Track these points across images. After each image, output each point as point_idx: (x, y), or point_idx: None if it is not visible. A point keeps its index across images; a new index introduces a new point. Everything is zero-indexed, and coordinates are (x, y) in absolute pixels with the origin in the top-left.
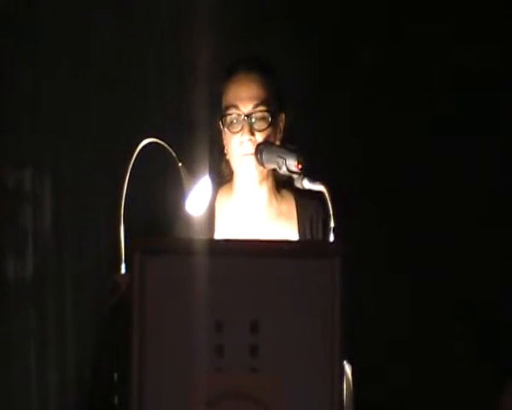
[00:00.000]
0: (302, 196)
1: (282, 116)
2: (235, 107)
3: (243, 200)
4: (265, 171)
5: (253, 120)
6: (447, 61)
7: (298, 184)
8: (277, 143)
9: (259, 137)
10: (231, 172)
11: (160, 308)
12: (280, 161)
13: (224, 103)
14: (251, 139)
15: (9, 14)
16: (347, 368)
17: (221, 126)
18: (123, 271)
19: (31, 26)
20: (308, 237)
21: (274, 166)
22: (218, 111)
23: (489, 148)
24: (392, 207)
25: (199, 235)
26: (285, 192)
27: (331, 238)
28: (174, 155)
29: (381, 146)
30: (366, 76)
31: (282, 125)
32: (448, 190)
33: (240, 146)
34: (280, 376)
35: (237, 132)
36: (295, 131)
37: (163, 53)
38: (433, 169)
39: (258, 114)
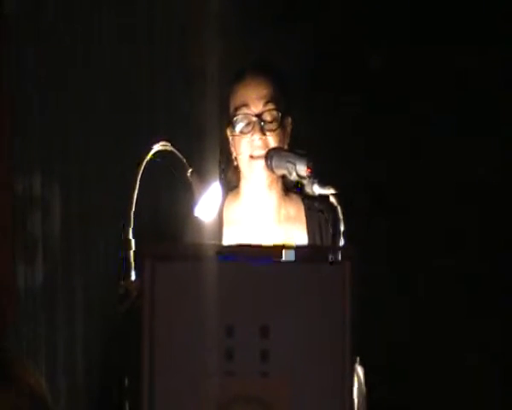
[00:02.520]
0: (310, 200)
1: (289, 120)
2: (246, 106)
3: (252, 204)
4: (275, 175)
5: (264, 119)
6: (450, 65)
7: (308, 189)
8: (285, 147)
9: (270, 138)
10: (238, 179)
11: (171, 314)
12: (290, 166)
13: (234, 105)
14: (261, 138)
15: (17, 23)
16: (360, 371)
17: (228, 132)
18: (133, 277)
19: (38, 32)
20: (317, 240)
21: (284, 171)
22: (224, 117)
23: (491, 150)
24: (398, 211)
25: (208, 241)
26: (293, 196)
27: (341, 242)
28: (184, 161)
29: (386, 150)
30: (370, 80)
31: (289, 129)
32: (452, 192)
33: (250, 146)
34: (290, 380)
35: (248, 133)
36: (301, 135)
37: (172, 59)
38: (436, 171)
39: (268, 115)
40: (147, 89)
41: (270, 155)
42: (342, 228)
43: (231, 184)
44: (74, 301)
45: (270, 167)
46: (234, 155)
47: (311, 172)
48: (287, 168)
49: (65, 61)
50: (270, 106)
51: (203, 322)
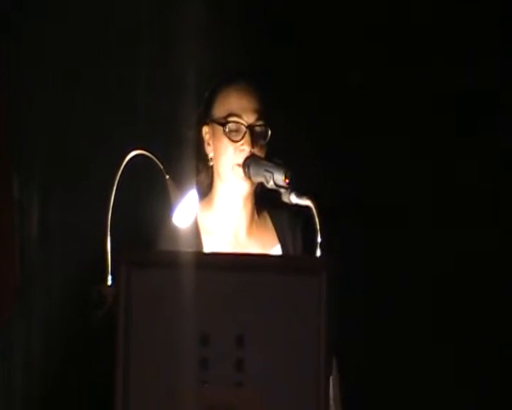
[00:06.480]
0: (275, 209)
1: (269, 133)
2: (238, 116)
3: (225, 212)
4: (255, 183)
5: (255, 132)
6: (435, 84)
7: (285, 199)
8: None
9: (257, 152)
10: (211, 183)
11: (146, 321)
12: (267, 175)
13: (225, 109)
14: (251, 150)
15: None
16: (335, 374)
17: (203, 134)
18: (109, 283)
19: (24, 41)
20: (290, 248)
21: (261, 179)
22: (201, 119)
23: (472, 167)
24: (378, 223)
25: (184, 248)
26: (260, 207)
27: (317, 253)
28: (161, 167)
29: (366, 162)
30: (351, 92)
31: (267, 140)
32: (435, 207)
33: (237, 155)
34: (265, 390)
35: (238, 141)
36: (279, 143)
37: (152, 66)
38: (418, 187)
39: (259, 129)
40: (127, 95)
41: (247, 163)
42: (319, 239)
43: (203, 186)
44: (50, 306)
45: (247, 175)
46: (210, 156)
47: (288, 183)
48: (264, 177)
49: (46, 69)
50: (261, 121)
51: (178, 330)
